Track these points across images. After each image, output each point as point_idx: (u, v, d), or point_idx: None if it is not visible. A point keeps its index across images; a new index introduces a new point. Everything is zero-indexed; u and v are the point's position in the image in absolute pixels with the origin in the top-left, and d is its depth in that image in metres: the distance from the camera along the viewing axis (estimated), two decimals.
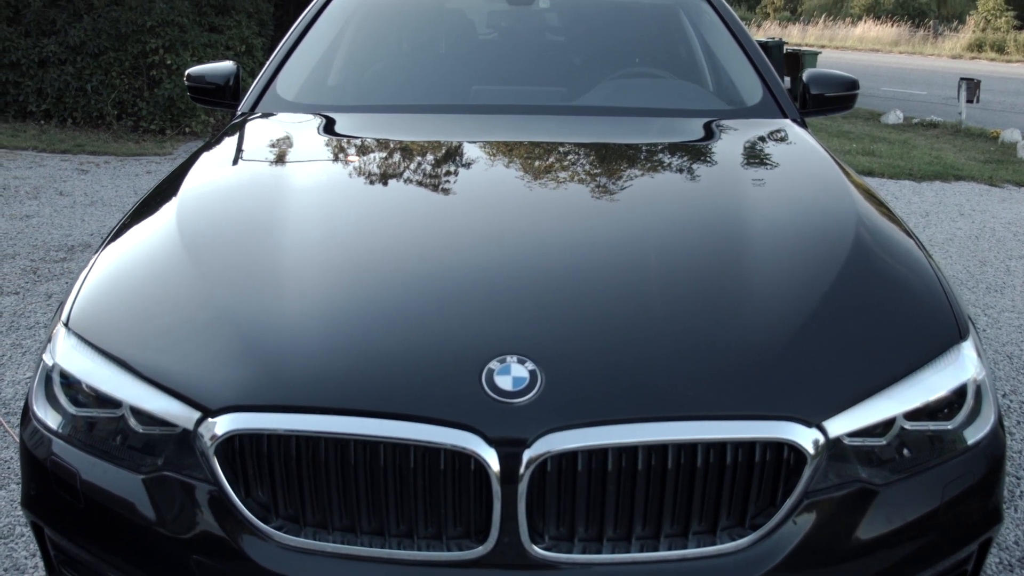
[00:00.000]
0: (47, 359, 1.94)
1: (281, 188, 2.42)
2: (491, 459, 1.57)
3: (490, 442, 1.58)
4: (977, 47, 32.96)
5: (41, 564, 2.72)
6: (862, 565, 1.75)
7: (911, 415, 1.79)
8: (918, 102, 15.82)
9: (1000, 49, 32.26)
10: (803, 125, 3.13)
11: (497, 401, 1.62)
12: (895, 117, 13.04)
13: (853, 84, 3.38)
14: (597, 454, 1.60)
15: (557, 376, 1.66)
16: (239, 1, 10.29)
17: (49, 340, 1.97)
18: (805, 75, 3.38)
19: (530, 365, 1.66)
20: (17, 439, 3.39)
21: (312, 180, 2.50)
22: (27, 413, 1.96)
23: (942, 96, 16.69)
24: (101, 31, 9.29)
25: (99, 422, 1.82)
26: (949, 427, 1.84)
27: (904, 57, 30.43)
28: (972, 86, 12.41)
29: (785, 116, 3.16)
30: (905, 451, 1.79)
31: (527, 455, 1.57)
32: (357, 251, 2.10)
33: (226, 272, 2.01)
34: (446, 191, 2.46)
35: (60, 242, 5.84)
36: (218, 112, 10.04)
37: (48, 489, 1.87)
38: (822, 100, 3.32)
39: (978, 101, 12.66)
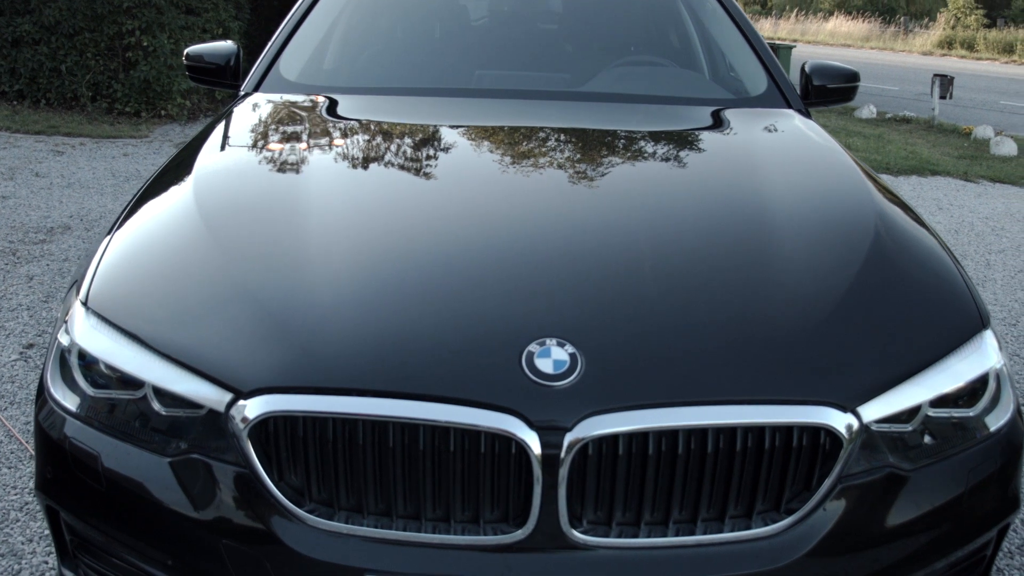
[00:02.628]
0: (63, 339, 1.90)
1: (298, 168, 2.39)
2: (533, 443, 1.56)
3: (532, 425, 1.56)
4: (947, 44, 33.35)
5: (39, 549, 2.67)
6: (892, 550, 1.76)
7: (936, 402, 1.81)
8: (890, 97, 15.96)
9: (970, 47, 32.65)
10: (807, 115, 3.14)
11: (538, 384, 1.60)
12: (868, 112, 13.15)
13: (854, 76, 3.40)
14: (638, 438, 1.59)
15: (597, 359, 1.65)
16: None
17: (65, 321, 1.93)
18: (807, 66, 3.40)
19: (570, 348, 1.65)
20: (6, 423, 3.34)
21: (329, 160, 2.46)
22: (42, 394, 1.92)
23: (914, 92, 16.87)
24: (76, 11, 9.11)
25: (120, 403, 1.78)
26: (971, 414, 1.86)
27: (875, 53, 30.71)
28: (945, 82, 12.53)
29: (790, 106, 3.17)
30: (928, 437, 1.81)
31: (568, 438, 1.56)
32: (386, 231, 2.06)
33: (250, 251, 1.97)
34: (467, 174, 2.43)
35: (39, 224, 5.74)
36: (195, 96, 9.91)
37: (66, 472, 1.83)
38: (824, 91, 3.33)
39: (951, 97, 12.79)
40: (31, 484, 2.99)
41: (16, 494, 2.93)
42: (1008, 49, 31.56)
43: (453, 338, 1.69)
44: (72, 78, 9.34)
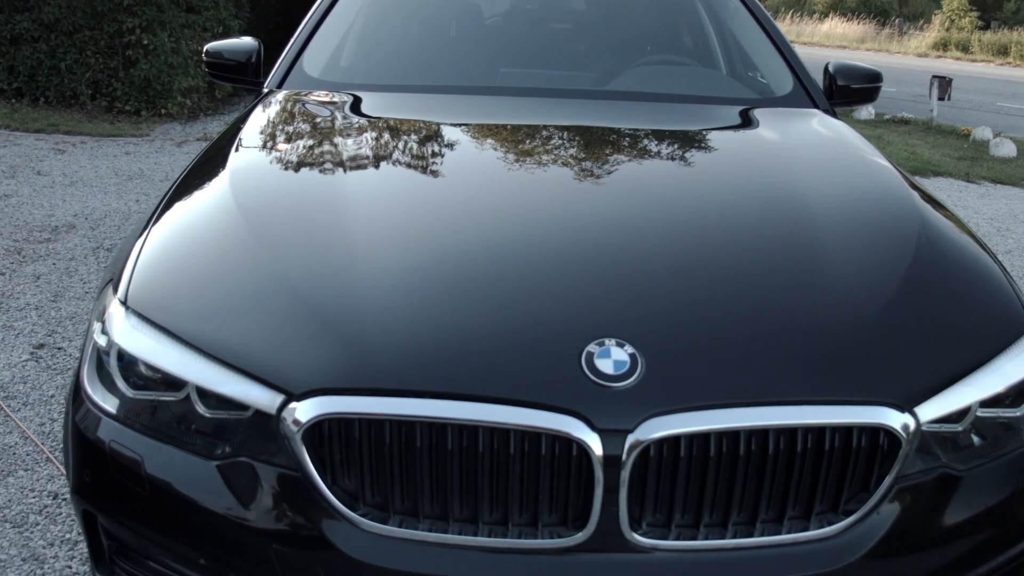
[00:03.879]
0: (99, 339, 1.86)
1: (335, 165, 2.35)
2: (595, 444, 1.53)
3: (593, 427, 1.53)
4: (942, 46, 33.45)
5: (61, 553, 2.63)
6: (946, 551, 1.75)
7: (985, 402, 1.79)
8: (887, 99, 15.94)
9: (965, 48, 32.77)
10: (834, 116, 3.12)
11: (600, 385, 1.57)
12: (867, 113, 13.13)
13: (877, 76, 3.39)
14: (699, 439, 1.57)
15: (657, 360, 1.62)
16: None
17: (102, 320, 1.89)
18: (831, 67, 3.39)
19: (629, 348, 1.62)
20: (21, 424, 3.29)
21: (366, 158, 2.42)
22: (78, 395, 1.88)
23: (911, 93, 16.90)
24: (76, 8, 9.03)
25: (161, 405, 1.75)
26: (1018, 414, 1.85)
27: (871, 54, 30.70)
28: (944, 84, 12.53)
29: (816, 107, 3.16)
30: (977, 438, 1.79)
31: (630, 440, 1.53)
32: (434, 230, 2.03)
33: (295, 249, 1.93)
34: (510, 172, 2.39)
35: (43, 223, 5.69)
36: (195, 94, 9.84)
37: (105, 476, 1.79)
38: (848, 92, 3.32)
39: (949, 99, 12.79)
40: (49, 487, 2.95)
41: (35, 497, 2.89)
42: (1003, 51, 31.68)
43: (511, 339, 1.66)
44: (72, 76, 9.27)
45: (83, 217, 5.85)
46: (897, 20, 39.77)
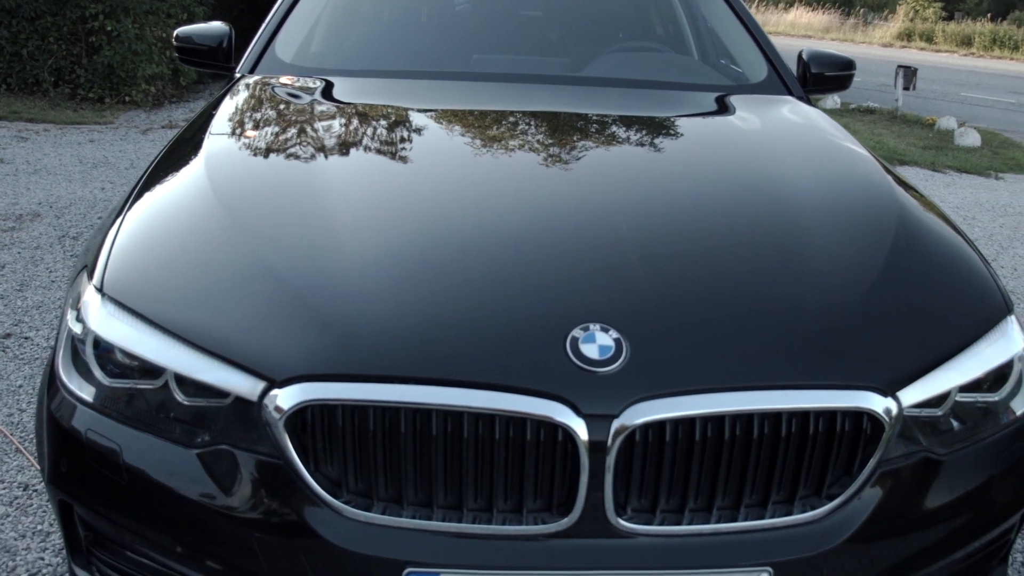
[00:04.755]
0: (74, 326, 1.82)
1: (312, 151, 2.33)
2: (580, 430, 1.52)
3: (579, 412, 1.53)
4: (906, 36, 33.83)
5: (33, 545, 2.59)
6: (926, 535, 1.76)
7: (964, 387, 1.81)
8: (853, 88, 15.96)
9: (929, 39, 33.20)
10: (809, 103, 3.13)
11: (585, 370, 1.56)
12: (832, 102, 13.22)
13: (850, 64, 3.42)
14: (684, 424, 1.57)
15: (642, 344, 1.61)
16: None
17: (77, 308, 1.85)
18: (804, 54, 3.40)
19: (614, 333, 1.62)
20: None
21: (343, 143, 2.40)
22: (53, 384, 1.84)
23: (876, 83, 17.03)
24: None
25: (138, 393, 1.72)
26: (996, 399, 1.87)
27: (836, 44, 30.90)
28: (909, 74, 12.62)
29: (791, 94, 3.17)
30: (956, 422, 1.81)
31: (616, 425, 1.53)
32: (415, 215, 2.01)
33: (274, 233, 1.91)
34: (490, 157, 2.38)
35: (7, 211, 5.59)
36: (159, 81, 9.71)
37: (82, 465, 1.75)
38: (822, 79, 3.34)
39: (915, 88, 12.91)
40: (19, 478, 2.90)
41: (4, 488, 2.84)
42: (967, 42, 32.11)
43: (495, 323, 1.65)
44: (33, 63, 9.10)
45: (47, 205, 5.76)
46: (862, 10, 40.12)
